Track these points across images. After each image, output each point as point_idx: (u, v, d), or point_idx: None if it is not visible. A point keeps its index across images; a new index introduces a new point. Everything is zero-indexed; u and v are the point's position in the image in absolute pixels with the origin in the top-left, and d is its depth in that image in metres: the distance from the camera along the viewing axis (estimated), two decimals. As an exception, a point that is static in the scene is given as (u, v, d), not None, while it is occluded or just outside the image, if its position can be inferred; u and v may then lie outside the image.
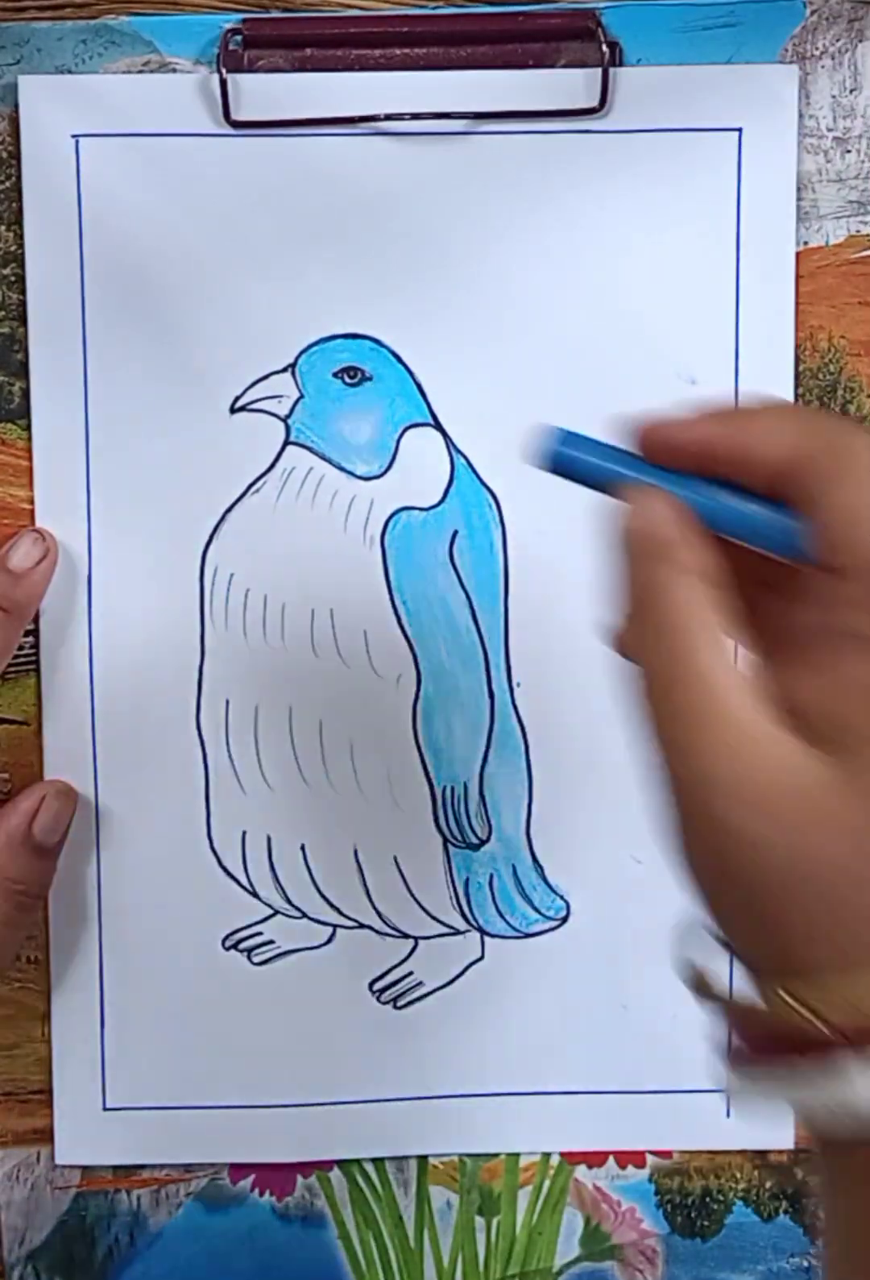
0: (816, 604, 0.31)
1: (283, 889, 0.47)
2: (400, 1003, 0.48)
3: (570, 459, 0.33)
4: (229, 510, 0.46)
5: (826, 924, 0.30)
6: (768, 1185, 0.50)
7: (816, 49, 0.45)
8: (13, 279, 0.45)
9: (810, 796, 0.30)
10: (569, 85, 0.44)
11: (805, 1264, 0.50)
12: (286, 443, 0.46)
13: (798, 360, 0.46)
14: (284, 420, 0.46)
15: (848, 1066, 0.28)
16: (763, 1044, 0.30)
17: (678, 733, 0.31)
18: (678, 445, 0.33)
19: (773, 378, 0.46)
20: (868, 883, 0.29)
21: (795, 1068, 0.29)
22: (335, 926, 0.48)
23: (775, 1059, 0.30)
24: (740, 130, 0.45)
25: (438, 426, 0.46)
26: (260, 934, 0.48)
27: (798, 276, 0.46)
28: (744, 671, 0.31)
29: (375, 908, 0.48)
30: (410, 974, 0.48)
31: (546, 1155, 0.49)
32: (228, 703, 0.47)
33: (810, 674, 0.31)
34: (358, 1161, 0.49)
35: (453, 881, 0.48)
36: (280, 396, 0.46)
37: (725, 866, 0.31)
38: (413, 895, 0.48)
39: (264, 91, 0.45)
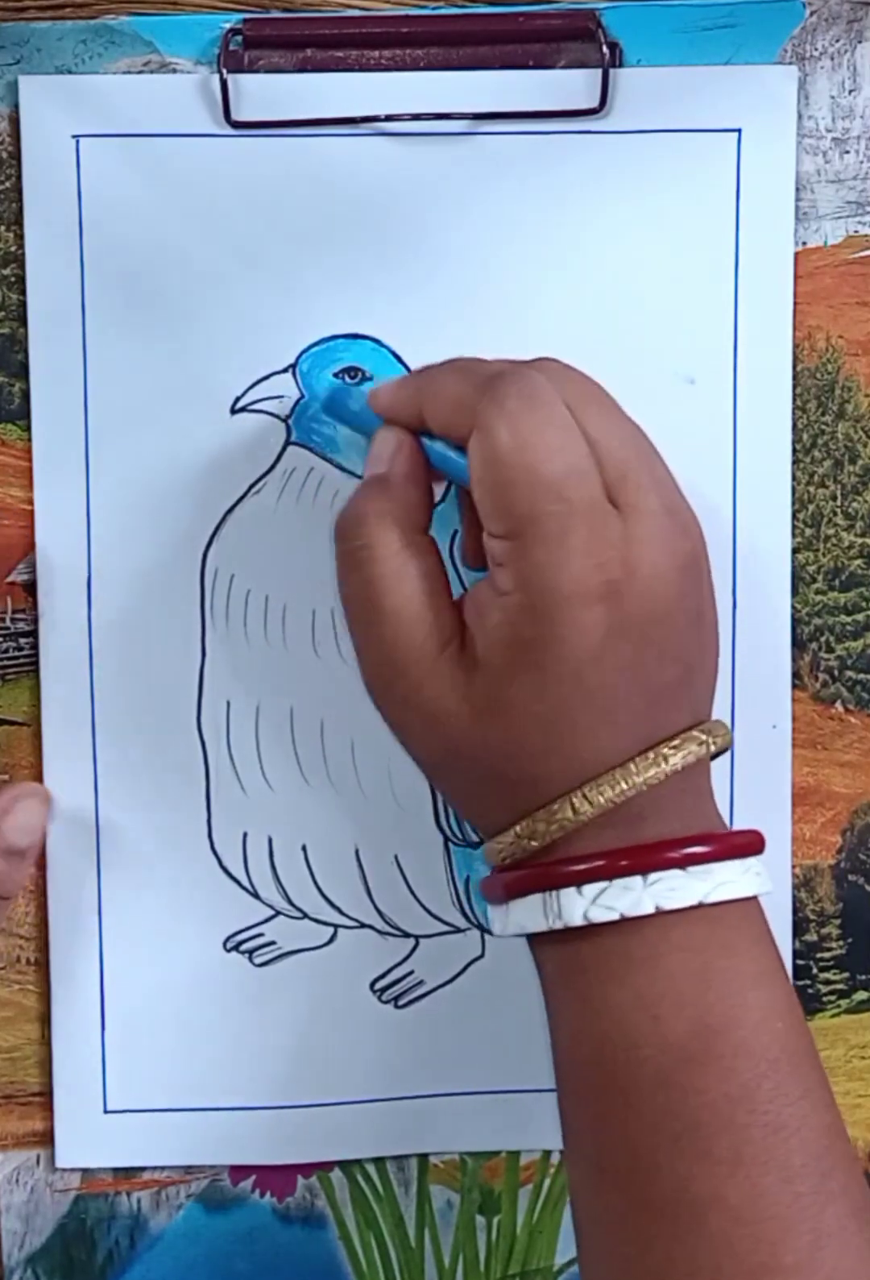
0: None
1: (284, 889, 0.47)
2: (401, 1001, 0.48)
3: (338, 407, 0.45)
4: (230, 511, 0.46)
5: (478, 799, 0.40)
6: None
7: (816, 50, 0.45)
8: (13, 279, 0.45)
9: (455, 709, 0.38)
10: (569, 85, 0.45)
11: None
12: (287, 443, 0.46)
13: (796, 360, 0.46)
14: (285, 421, 0.46)
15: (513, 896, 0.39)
16: (493, 885, 0.40)
17: (369, 657, 0.41)
18: (382, 409, 0.42)
19: (771, 377, 0.46)
20: (492, 771, 0.39)
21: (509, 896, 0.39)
22: (336, 926, 0.48)
23: (501, 893, 0.39)
24: (739, 131, 0.45)
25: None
26: (262, 935, 0.48)
27: (796, 276, 0.46)
28: (424, 605, 0.39)
29: (376, 907, 0.48)
30: (411, 972, 0.48)
31: (547, 1153, 0.50)
32: (228, 703, 0.47)
33: (482, 590, 0.39)
34: (358, 1161, 0.49)
35: (453, 880, 0.48)
36: (281, 397, 0.46)
37: (419, 762, 0.41)
38: (414, 894, 0.48)
39: (264, 92, 0.45)
